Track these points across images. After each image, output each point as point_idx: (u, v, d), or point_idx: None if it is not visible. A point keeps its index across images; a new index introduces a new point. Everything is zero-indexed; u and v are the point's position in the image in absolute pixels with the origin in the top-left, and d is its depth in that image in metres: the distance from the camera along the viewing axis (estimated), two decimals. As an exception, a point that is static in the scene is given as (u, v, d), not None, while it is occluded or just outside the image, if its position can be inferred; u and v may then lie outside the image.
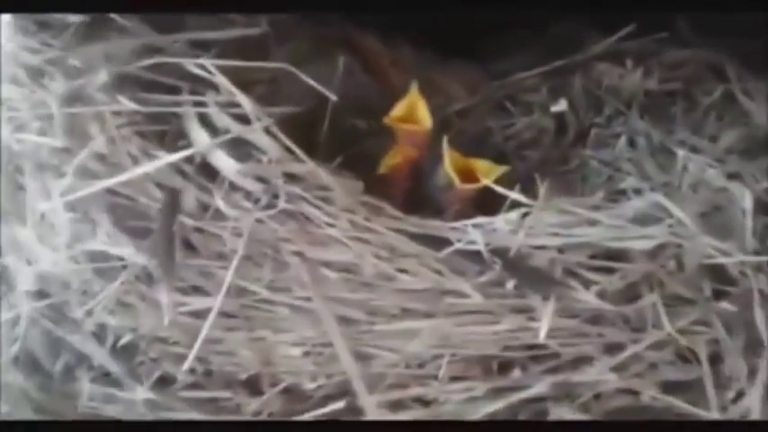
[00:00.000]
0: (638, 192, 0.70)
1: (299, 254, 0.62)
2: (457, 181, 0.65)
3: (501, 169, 0.65)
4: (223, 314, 0.62)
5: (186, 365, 0.61)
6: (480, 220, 0.63)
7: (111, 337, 0.65)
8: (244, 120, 0.63)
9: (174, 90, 0.65)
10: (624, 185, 0.72)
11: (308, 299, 0.62)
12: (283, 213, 0.61)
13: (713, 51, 0.84)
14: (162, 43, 0.69)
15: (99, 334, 0.65)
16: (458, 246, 0.62)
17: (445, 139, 0.67)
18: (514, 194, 0.63)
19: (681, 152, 0.72)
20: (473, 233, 0.62)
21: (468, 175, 0.66)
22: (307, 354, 0.63)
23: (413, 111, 0.70)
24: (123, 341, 0.65)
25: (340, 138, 0.75)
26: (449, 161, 0.66)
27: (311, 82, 0.63)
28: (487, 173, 0.65)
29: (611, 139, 0.80)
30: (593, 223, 0.63)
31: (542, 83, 0.86)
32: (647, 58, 0.84)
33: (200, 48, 0.69)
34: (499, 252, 0.62)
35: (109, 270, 0.63)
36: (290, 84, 0.68)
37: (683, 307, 0.64)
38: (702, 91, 0.82)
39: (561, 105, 0.82)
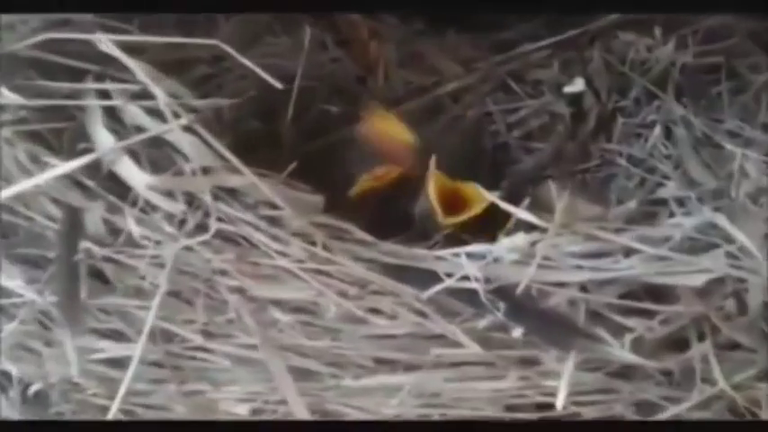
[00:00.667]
0: (681, 203, 0.60)
1: (239, 290, 0.55)
2: (440, 214, 0.59)
3: (491, 197, 0.57)
4: (149, 363, 0.56)
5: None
6: (477, 248, 0.54)
7: (18, 386, 0.60)
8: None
9: (78, 76, 0.57)
10: (663, 194, 0.62)
11: (254, 347, 0.55)
12: (218, 238, 0.54)
13: (757, 18, 0.75)
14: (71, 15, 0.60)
15: (2, 382, 0.61)
16: (448, 283, 0.53)
17: (433, 160, 0.60)
18: (522, 212, 0.54)
19: (734, 148, 0.62)
20: (467, 265, 0.53)
21: (454, 201, 0.59)
22: (256, 412, 0.57)
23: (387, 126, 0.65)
24: (33, 390, 0.60)
25: (307, 128, 0.71)
26: (433, 187, 0.59)
27: (251, 65, 0.54)
28: (476, 200, 0.58)
29: (641, 128, 0.71)
30: (626, 252, 0.54)
31: (553, 57, 0.78)
32: (679, 27, 0.76)
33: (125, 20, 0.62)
34: (502, 290, 0.54)
35: (9, 307, 0.57)
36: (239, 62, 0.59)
37: (740, 356, 0.55)
38: (749, 67, 0.73)
39: (577, 85, 0.75)
